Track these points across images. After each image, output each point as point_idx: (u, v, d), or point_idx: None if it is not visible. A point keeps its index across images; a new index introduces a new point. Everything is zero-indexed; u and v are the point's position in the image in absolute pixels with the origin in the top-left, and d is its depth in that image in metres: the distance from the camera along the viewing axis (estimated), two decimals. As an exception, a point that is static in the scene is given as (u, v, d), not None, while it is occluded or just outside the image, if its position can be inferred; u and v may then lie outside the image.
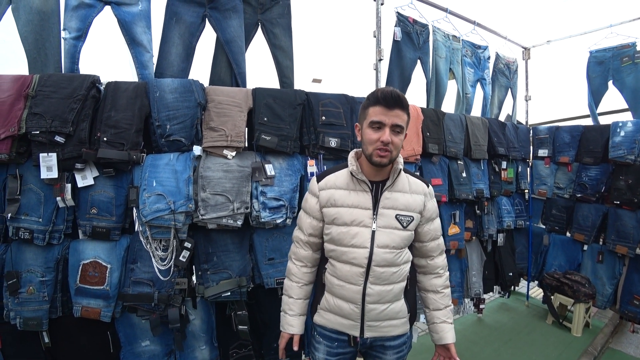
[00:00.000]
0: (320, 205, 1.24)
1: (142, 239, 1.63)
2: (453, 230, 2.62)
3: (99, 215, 1.61)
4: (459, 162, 2.65)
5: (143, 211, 1.55)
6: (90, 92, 1.59)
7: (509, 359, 2.69)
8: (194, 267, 1.78)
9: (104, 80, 1.70)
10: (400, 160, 1.20)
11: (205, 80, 1.87)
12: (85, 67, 1.77)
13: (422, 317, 2.58)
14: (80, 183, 1.57)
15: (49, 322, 1.60)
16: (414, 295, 1.33)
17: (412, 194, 1.22)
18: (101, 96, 1.65)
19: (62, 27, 1.71)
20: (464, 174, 2.67)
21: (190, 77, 1.89)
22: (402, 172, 1.23)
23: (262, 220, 1.73)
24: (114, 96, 1.63)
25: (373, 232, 1.16)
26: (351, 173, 1.20)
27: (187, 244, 1.65)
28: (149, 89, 1.69)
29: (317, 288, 1.32)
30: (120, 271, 1.65)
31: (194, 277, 1.81)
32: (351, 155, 1.24)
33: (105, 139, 1.56)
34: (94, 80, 1.61)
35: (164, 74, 1.84)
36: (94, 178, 1.60)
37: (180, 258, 1.64)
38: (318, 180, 1.27)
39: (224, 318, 1.87)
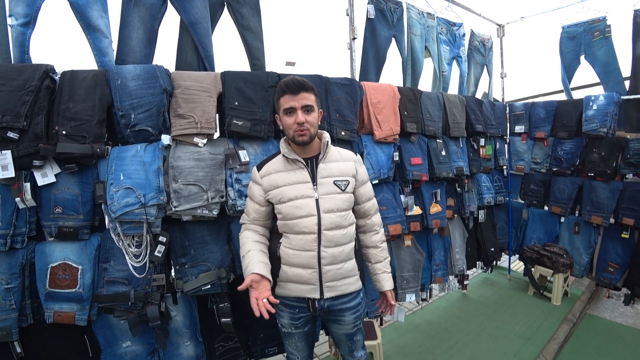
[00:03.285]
0: (264, 191, 1.37)
1: (113, 236, 1.56)
2: (435, 209, 2.64)
3: (64, 215, 1.52)
4: (437, 140, 2.65)
5: (111, 207, 1.47)
6: (43, 82, 1.47)
7: (494, 332, 2.77)
8: (171, 261, 1.72)
9: (60, 69, 1.58)
10: (327, 135, 1.39)
11: (170, 66, 1.77)
12: (39, 56, 1.65)
13: (407, 297, 2.64)
14: (41, 181, 1.47)
15: (20, 331, 1.52)
16: (360, 257, 1.50)
17: (344, 161, 1.41)
18: (56, 87, 1.53)
19: (7, 14, 1.57)
20: (443, 153, 2.67)
21: (154, 63, 1.79)
22: (331, 145, 1.41)
23: (239, 208, 1.68)
24: (71, 86, 1.52)
25: (317, 200, 1.31)
26: (283, 156, 1.34)
27: (162, 238, 1.59)
28: (109, 76, 1.58)
29: (273, 262, 1.39)
30: (93, 271, 1.57)
31: (173, 272, 1.75)
32: (282, 141, 1.39)
33: (64, 132, 1.46)
34: (47, 70, 1.49)
35: (125, 61, 1.72)
36: (56, 175, 1.50)
37: (156, 253, 1.58)
38: (258, 169, 1.40)
39: (207, 312, 1.83)
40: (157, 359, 1.75)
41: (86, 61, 1.72)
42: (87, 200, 1.55)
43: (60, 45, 1.89)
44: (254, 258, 1.31)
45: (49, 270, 1.52)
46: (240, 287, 1.23)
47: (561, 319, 2.93)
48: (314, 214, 1.30)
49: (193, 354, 1.80)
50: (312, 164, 1.36)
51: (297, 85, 1.26)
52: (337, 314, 1.41)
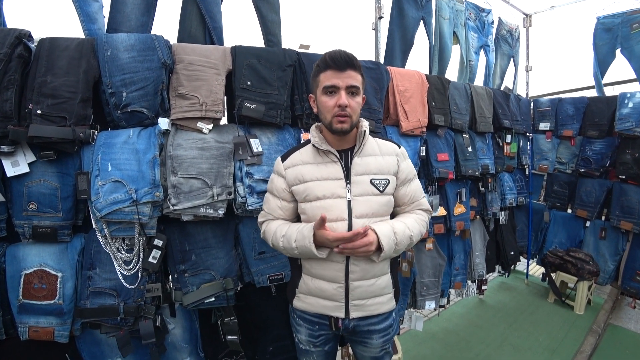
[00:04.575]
0: (288, 185, 1.17)
1: (99, 238, 1.30)
2: (459, 209, 2.41)
3: (39, 212, 1.26)
4: (464, 135, 2.41)
5: (96, 204, 1.22)
6: (15, 50, 1.20)
7: (517, 343, 2.57)
8: (168, 268, 1.48)
9: (39, 37, 1.31)
10: (365, 123, 1.17)
11: (172, 38, 1.50)
12: (16, 21, 1.39)
13: (427, 305, 2.43)
14: (10, 171, 1.21)
15: (-11, 347, 1.28)
16: (396, 271, 1.28)
17: (384, 155, 1.17)
18: (32, 56, 1.26)
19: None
20: (469, 149, 2.43)
21: (152, 33, 1.52)
22: (370, 135, 1.18)
23: (249, 207, 1.43)
24: (50, 56, 1.26)
25: (349, 202, 1.10)
26: (314, 145, 1.14)
27: (158, 242, 1.34)
28: (97, 46, 1.31)
29: (294, 271, 1.25)
30: (75, 280, 1.32)
31: (170, 279, 1.51)
32: (313, 128, 1.19)
33: (39, 111, 1.19)
34: (19, 35, 1.21)
35: (118, 30, 1.46)
36: (30, 164, 1.24)
37: (150, 259, 1.33)
38: (283, 160, 1.21)
39: (210, 323, 1.60)
40: (152, 376, 1.52)
41: (72, 29, 1.46)
42: (67, 195, 1.28)
43: (41, 10, 1.61)
44: (306, 225, 1.10)
45: (22, 278, 1.28)
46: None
47: (586, 330, 2.74)
48: (345, 219, 1.09)
49: (193, 371, 1.57)
50: (346, 157, 1.14)
51: (344, 60, 1.03)
52: (363, 336, 1.21)
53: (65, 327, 1.31)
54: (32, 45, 1.28)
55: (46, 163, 1.26)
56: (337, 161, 1.12)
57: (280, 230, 1.13)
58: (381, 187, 1.12)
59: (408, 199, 1.21)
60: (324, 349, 1.25)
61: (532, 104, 3.37)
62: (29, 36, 1.26)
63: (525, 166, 3.32)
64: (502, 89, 3.19)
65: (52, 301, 1.29)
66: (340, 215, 1.09)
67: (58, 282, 1.29)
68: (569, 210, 3.33)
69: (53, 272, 1.29)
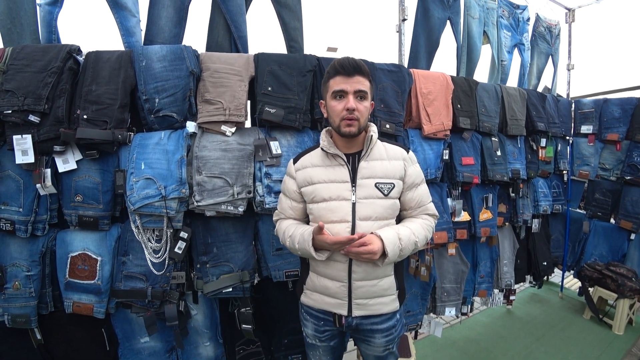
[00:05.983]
0: (298, 186, 1.23)
1: (133, 229, 1.45)
2: (485, 215, 2.34)
3: (84, 203, 1.44)
4: (493, 138, 2.33)
5: (131, 198, 1.36)
6: (66, 63, 1.39)
7: (543, 358, 2.45)
8: (193, 258, 1.61)
9: (86, 49, 1.49)
10: (374, 128, 1.20)
11: (201, 47, 1.63)
12: (70, 37, 1.57)
13: (447, 311, 2.39)
14: (62, 168, 1.39)
15: (42, 317, 1.49)
16: (402, 272, 1.28)
17: (390, 160, 1.20)
18: (80, 68, 1.44)
19: (35, -8, 1.49)
20: (498, 153, 2.35)
21: (184, 43, 1.65)
22: (378, 140, 1.22)
23: (267, 206, 1.52)
24: (95, 68, 1.42)
25: (353, 205, 1.13)
26: (322, 149, 1.18)
27: (183, 234, 1.47)
28: (134, 57, 1.46)
29: (303, 268, 1.31)
30: (112, 264, 1.49)
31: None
32: (323, 132, 1.24)
33: (85, 116, 1.36)
34: (70, 50, 1.39)
35: (154, 41, 1.61)
36: (77, 161, 1.42)
37: (176, 250, 1.46)
38: (294, 162, 1.27)
39: (229, 312, 1.71)
40: (176, 356, 1.66)
41: (115, 42, 1.63)
42: (107, 189, 1.45)
43: (91, 26, 1.81)
44: (308, 228, 1.15)
45: (69, 260, 1.47)
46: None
47: (624, 352, 2.53)
48: (348, 220, 1.13)
49: (212, 355, 1.69)
50: (353, 161, 1.18)
51: (352, 66, 1.08)
52: (366, 334, 1.24)
53: (102, 305, 1.48)
54: (80, 58, 1.45)
55: (90, 161, 1.44)
56: (344, 164, 1.16)
57: (288, 231, 1.20)
58: (385, 191, 1.15)
59: (415, 204, 1.23)
60: (330, 344, 1.30)
61: (573, 105, 3.15)
62: (78, 51, 1.44)
63: (564, 172, 3.12)
64: (540, 89, 3.03)
65: (93, 281, 1.46)
66: (344, 217, 1.13)
67: (98, 265, 1.47)
68: (612, 221, 3.08)
69: (94, 256, 1.47)
